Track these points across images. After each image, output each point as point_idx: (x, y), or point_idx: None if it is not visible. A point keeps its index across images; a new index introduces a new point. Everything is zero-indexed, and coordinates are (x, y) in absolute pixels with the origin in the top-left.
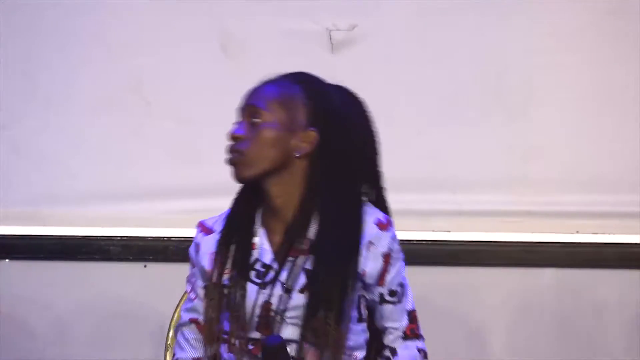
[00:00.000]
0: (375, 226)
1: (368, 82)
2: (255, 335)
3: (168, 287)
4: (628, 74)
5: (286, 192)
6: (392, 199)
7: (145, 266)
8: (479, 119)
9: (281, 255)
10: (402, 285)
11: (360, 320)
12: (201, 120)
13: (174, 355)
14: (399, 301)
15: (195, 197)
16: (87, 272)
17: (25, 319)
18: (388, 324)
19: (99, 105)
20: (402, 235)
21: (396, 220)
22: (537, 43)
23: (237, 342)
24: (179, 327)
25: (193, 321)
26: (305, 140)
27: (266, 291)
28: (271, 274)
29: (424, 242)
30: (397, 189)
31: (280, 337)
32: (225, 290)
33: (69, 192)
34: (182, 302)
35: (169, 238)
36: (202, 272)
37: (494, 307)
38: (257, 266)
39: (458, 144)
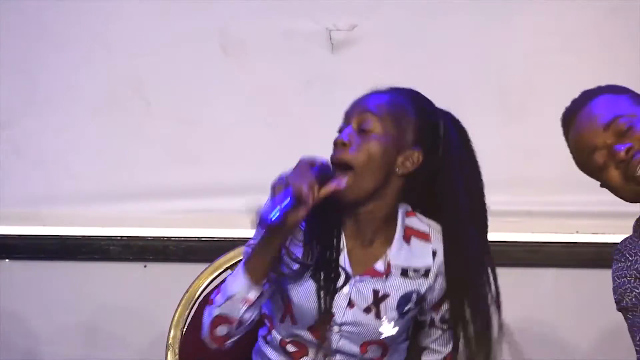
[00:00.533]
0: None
1: (368, 82)
2: (302, 332)
3: (168, 287)
4: (628, 74)
5: (376, 208)
6: None
7: (145, 266)
8: (479, 119)
9: (358, 267)
10: None
11: (405, 339)
12: (201, 120)
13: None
14: (449, 328)
15: (195, 197)
16: (87, 272)
17: (25, 319)
18: (432, 346)
19: (99, 105)
20: None
21: None
22: (537, 43)
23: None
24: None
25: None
26: (410, 159)
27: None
28: (340, 281)
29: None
30: None
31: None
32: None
33: (69, 192)
34: (182, 302)
35: (169, 238)
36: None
37: None
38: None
39: None
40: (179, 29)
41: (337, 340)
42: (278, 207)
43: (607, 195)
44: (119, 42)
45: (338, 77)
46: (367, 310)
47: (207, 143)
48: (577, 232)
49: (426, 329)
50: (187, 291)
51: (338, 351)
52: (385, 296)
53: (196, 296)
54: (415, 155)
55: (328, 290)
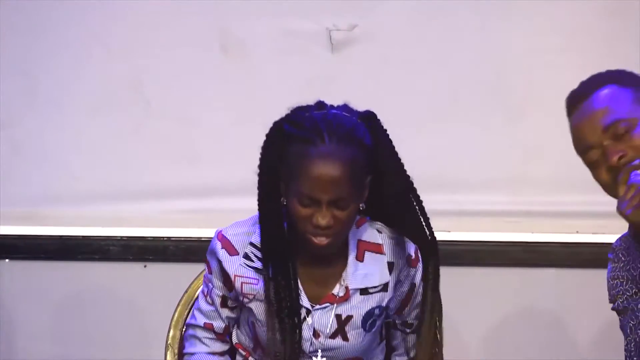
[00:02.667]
0: (408, 259)
1: (368, 82)
2: None
3: (168, 287)
4: None
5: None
6: None
7: (145, 266)
8: (479, 119)
9: (316, 299)
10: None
11: (380, 341)
12: (201, 120)
13: (183, 350)
14: (413, 332)
15: (195, 197)
16: (87, 272)
17: (25, 319)
18: (397, 347)
19: (99, 105)
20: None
21: None
22: (537, 43)
23: None
24: (190, 326)
25: (209, 327)
26: (367, 190)
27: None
28: (302, 313)
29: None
30: None
31: None
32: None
33: (69, 192)
34: (182, 301)
35: (169, 238)
36: (228, 283)
37: (494, 307)
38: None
39: (458, 144)
40: (179, 29)
41: None
42: None
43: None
44: (119, 42)
45: (338, 77)
46: (333, 336)
47: (207, 143)
48: (577, 232)
49: (391, 331)
50: (186, 291)
51: None
52: (349, 318)
53: (196, 296)
54: (368, 183)
55: (290, 326)
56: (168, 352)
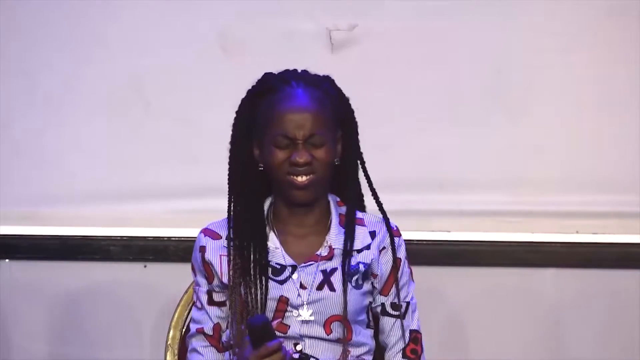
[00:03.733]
0: (389, 230)
1: (368, 82)
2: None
3: (168, 287)
4: (628, 74)
5: (316, 202)
6: (392, 199)
7: (145, 266)
8: (479, 119)
9: (300, 258)
10: (407, 303)
11: (368, 326)
12: (201, 120)
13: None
14: (402, 317)
15: (195, 197)
16: (87, 272)
17: (25, 319)
18: (388, 340)
19: (99, 105)
20: (402, 235)
21: (396, 220)
22: (537, 43)
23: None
24: (189, 339)
25: (200, 331)
26: (339, 144)
27: (282, 286)
28: (287, 272)
29: (424, 242)
30: (397, 189)
31: (265, 316)
32: (244, 289)
33: (69, 192)
34: (182, 302)
35: (169, 238)
36: (209, 273)
37: (494, 307)
38: (272, 264)
39: (458, 144)
40: (178, 29)
41: (299, 326)
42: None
43: (607, 195)
44: (119, 42)
45: (338, 77)
46: (319, 287)
47: (207, 143)
48: (577, 232)
49: (380, 323)
50: (186, 291)
51: (304, 336)
52: (334, 270)
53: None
54: (340, 138)
55: (263, 265)
56: (168, 352)
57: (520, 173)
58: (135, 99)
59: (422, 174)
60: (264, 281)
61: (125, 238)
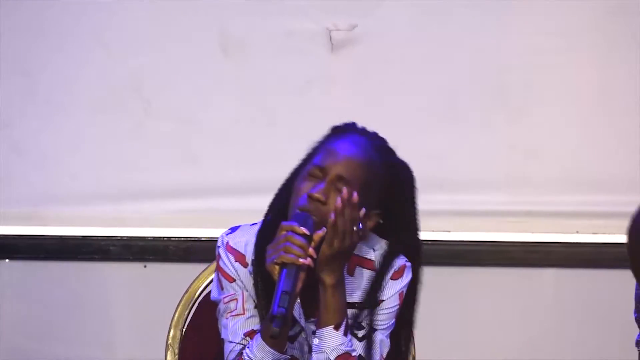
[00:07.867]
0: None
1: (368, 82)
2: None
3: (168, 287)
4: (628, 74)
5: None
6: None
7: (145, 266)
8: (479, 119)
9: (309, 313)
10: (375, 330)
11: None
12: (201, 120)
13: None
14: (360, 338)
15: (195, 197)
16: (87, 272)
17: (25, 319)
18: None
19: (99, 105)
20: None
21: None
22: (537, 43)
23: None
24: (230, 353)
25: (250, 335)
26: (371, 220)
27: (293, 345)
28: (297, 329)
29: (424, 242)
30: None
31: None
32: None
33: (69, 192)
34: (182, 301)
35: (169, 238)
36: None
37: (494, 307)
38: None
39: (458, 144)
40: (178, 29)
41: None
42: (283, 297)
43: (607, 195)
44: (119, 42)
45: (338, 77)
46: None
47: (207, 143)
48: (577, 232)
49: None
50: (187, 291)
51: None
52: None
53: (196, 296)
54: (376, 217)
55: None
56: (168, 352)
57: (520, 173)
58: (135, 99)
59: (422, 174)
60: None
61: (125, 238)
